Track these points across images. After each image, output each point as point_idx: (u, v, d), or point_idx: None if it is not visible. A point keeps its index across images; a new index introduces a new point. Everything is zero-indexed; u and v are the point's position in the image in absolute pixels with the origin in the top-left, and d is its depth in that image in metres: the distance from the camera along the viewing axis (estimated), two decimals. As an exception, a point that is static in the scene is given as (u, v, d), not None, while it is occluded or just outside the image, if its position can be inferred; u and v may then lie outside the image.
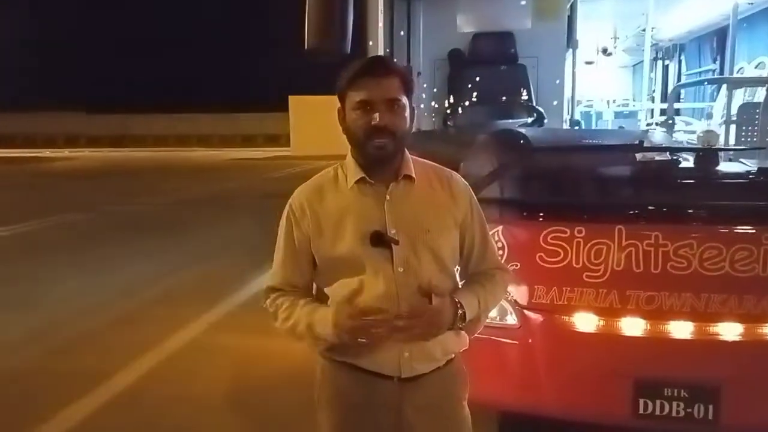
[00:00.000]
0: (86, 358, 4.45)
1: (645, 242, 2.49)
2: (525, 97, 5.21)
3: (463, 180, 1.78)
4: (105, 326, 5.15)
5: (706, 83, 7.64)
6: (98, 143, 38.39)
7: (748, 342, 2.46)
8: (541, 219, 2.66)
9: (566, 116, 5.51)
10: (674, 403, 2.47)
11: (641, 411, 2.49)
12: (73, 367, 4.29)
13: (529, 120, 4.90)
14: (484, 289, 1.72)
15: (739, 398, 2.44)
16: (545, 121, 4.92)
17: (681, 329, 2.49)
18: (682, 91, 8.50)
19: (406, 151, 1.70)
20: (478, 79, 5.19)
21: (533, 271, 2.60)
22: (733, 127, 4.62)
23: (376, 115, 1.57)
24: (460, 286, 1.75)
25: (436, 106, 5.35)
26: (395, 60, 4.53)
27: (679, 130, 6.05)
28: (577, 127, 5.83)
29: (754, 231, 2.50)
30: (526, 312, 2.61)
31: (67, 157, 29.51)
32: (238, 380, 4.06)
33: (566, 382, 2.59)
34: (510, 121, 4.77)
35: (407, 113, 1.63)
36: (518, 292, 2.61)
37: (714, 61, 7.65)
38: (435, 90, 5.35)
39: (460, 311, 1.63)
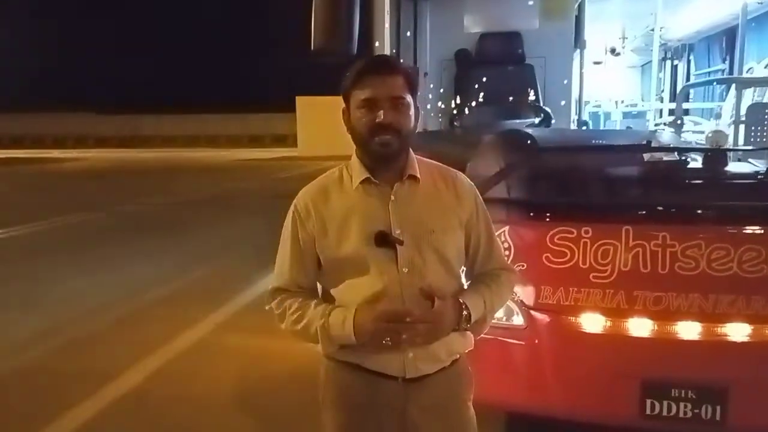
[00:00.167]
0: (91, 359, 4.47)
1: (652, 243, 2.48)
2: (532, 97, 5.19)
3: (468, 180, 1.77)
4: (111, 326, 5.18)
5: (715, 83, 7.61)
6: (107, 144, 38.58)
7: (756, 343, 2.45)
8: (547, 219, 2.66)
9: (574, 117, 5.48)
10: (681, 404, 2.45)
11: (648, 412, 2.48)
12: (79, 367, 4.31)
13: (537, 120, 4.88)
14: (489, 290, 1.72)
15: (746, 399, 2.43)
16: (553, 121, 4.90)
17: (688, 330, 2.48)
18: (692, 91, 8.46)
19: (411, 152, 1.70)
20: (485, 79, 5.17)
21: (540, 271, 2.59)
22: (742, 128, 4.58)
23: (381, 112, 1.57)
24: (465, 287, 1.74)
25: (443, 106, 5.34)
26: (402, 60, 4.52)
27: (687, 131, 6.02)
28: (584, 128, 5.80)
29: (762, 231, 2.49)
30: (532, 312, 2.61)
31: (76, 157, 29.65)
32: (242, 380, 4.07)
33: (573, 383, 2.59)
34: (517, 121, 4.75)
35: (411, 112, 1.63)
36: (525, 293, 2.61)
37: (723, 61, 7.61)
38: (442, 90, 5.34)
39: (464, 312, 1.63)
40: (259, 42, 54.18)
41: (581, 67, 5.40)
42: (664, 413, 2.47)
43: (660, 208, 2.65)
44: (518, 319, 2.62)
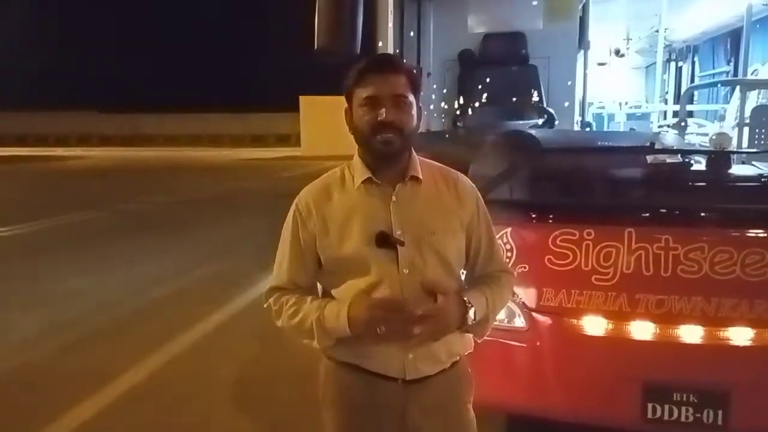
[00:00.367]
0: (92, 358, 4.47)
1: (655, 245, 2.47)
2: (536, 98, 5.18)
3: (469, 182, 1.77)
4: (113, 325, 5.18)
5: (719, 85, 7.59)
6: (110, 142, 38.69)
7: (759, 347, 2.43)
8: (550, 221, 2.64)
9: (577, 118, 5.47)
10: (683, 408, 2.44)
11: (650, 415, 2.46)
12: (81, 366, 4.31)
13: (540, 121, 4.87)
14: (491, 290, 1.71)
15: (749, 403, 2.42)
16: (556, 122, 4.89)
17: (691, 333, 2.47)
18: (696, 93, 8.45)
19: (414, 152, 1.69)
20: (488, 79, 5.17)
21: (542, 273, 2.58)
22: (746, 130, 4.57)
23: (383, 110, 1.56)
24: (465, 288, 1.73)
25: (446, 106, 5.33)
26: (405, 60, 4.51)
27: (691, 133, 6.01)
28: (587, 129, 5.79)
29: (765, 235, 2.47)
30: (534, 314, 2.59)
31: (80, 156, 29.73)
32: (244, 380, 4.07)
33: (574, 386, 2.57)
34: (520, 122, 4.75)
35: (414, 111, 1.62)
36: (526, 295, 2.59)
37: (728, 63, 7.60)
38: (445, 91, 5.33)
39: (469, 308, 1.62)
40: (263, 41, 54.26)
41: (585, 68, 5.39)
42: (666, 417, 2.45)
43: (663, 210, 2.64)
44: (520, 321, 2.61)
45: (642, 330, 2.50)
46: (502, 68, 5.23)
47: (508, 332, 2.61)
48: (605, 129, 9.08)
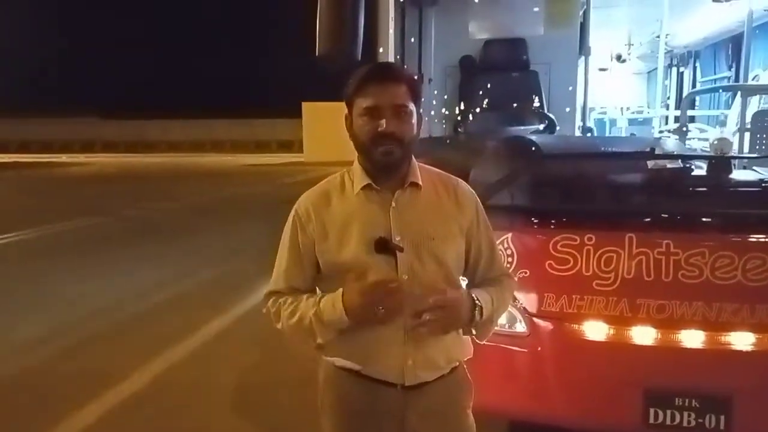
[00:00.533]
0: (94, 362, 4.48)
1: (656, 250, 2.46)
2: (537, 104, 5.18)
3: (469, 188, 1.77)
4: (115, 330, 5.19)
5: (721, 90, 7.59)
6: (114, 149, 38.76)
7: (760, 352, 2.43)
8: (551, 226, 2.64)
9: (578, 123, 5.48)
10: (685, 413, 2.43)
11: (651, 420, 2.46)
12: (82, 370, 4.32)
13: (541, 127, 4.88)
14: (495, 291, 1.72)
15: (751, 408, 2.41)
16: (557, 128, 4.90)
17: (692, 338, 2.46)
18: (698, 98, 8.45)
19: (413, 158, 1.70)
20: (489, 85, 5.17)
21: (543, 278, 2.58)
22: (747, 135, 4.57)
23: (383, 121, 1.57)
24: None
25: (447, 112, 5.34)
26: (406, 67, 4.53)
27: (693, 138, 6.01)
28: (588, 135, 5.79)
29: (767, 240, 2.47)
30: (535, 320, 2.59)
31: (83, 162, 29.80)
32: (245, 385, 4.07)
33: (575, 391, 2.57)
34: (521, 128, 4.74)
35: (414, 120, 1.62)
36: (528, 300, 2.59)
37: (729, 69, 7.59)
38: (446, 97, 5.34)
39: (478, 304, 1.63)
40: (266, 47, 54.37)
41: (586, 74, 5.39)
42: (668, 422, 2.45)
43: (664, 215, 2.64)
44: (521, 327, 2.61)
45: (643, 335, 2.50)
46: (503, 74, 5.24)
47: (509, 337, 2.61)
48: (607, 134, 9.08)
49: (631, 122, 9.31)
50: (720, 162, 2.96)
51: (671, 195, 2.81)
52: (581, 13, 5.35)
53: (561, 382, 2.57)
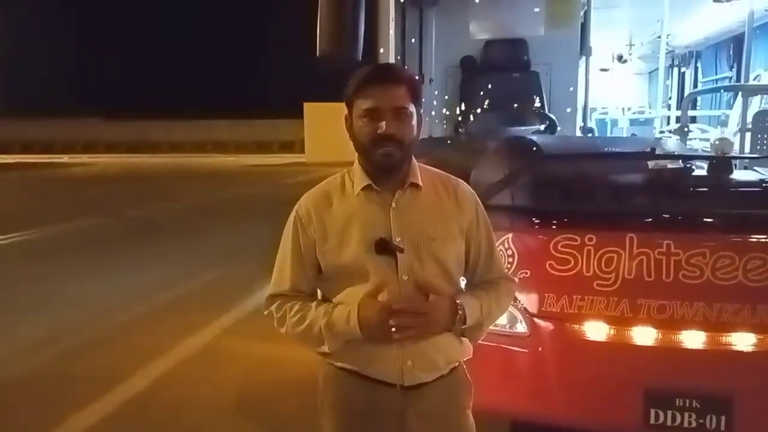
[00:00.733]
0: (98, 362, 4.50)
1: (657, 251, 2.46)
2: (537, 104, 5.19)
3: (469, 188, 1.77)
4: (118, 330, 5.20)
5: (722, 90, 7.59)
6: (116, 149, 38.80)
7: (761, 352, 2.42)
8: (551, 227, 2.65)
9: (579, 124, 5.48)
10: (686, 414, 2.43)
11: (652, 421, 2.46)
12: (87, 370, 4.34)
13: (542, 127, 4.88)
14: (488, 296, 1.71)
15: (752, 409, 2.41)
16: (558, 128, 4.90)
17: (693, 339, 2.46)
18: (699, 98, 8.45)
19: (414, 159, 1.70)
20: (490, 86, 5.18)
21: (543, 279, 2.58)
22: (748, 135, 4.57)
23: (383, 123, 1.57)
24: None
25: (448, 113, 5.34)
26: (406, 67, 4.53)
27: (694, 138, 6.01)
28: (589, 135, 5.79)
29: (767, 240, 2.47)
30: (536, 320, 2.59)
31: (86, 162, 29.84)
32: (247, 386, 4.08)
33: (576, 391, 2.57)
34: (522, 128, 4.75)
35: (414, 121, 1.63)
36: (528, 300, 2.59)
37: (730, 69, 7.59)
38: (447, 97, 5.34)
39: (460, 313, 1.62)
40: (266, 47, 54.39)
41: (587, 74, 5.39)
42: (668, 423, 2.44)
43: (664, 216, 2.64)
44: (521, 327, 2.61)
45: (644, 335, 2.50)
46: (504, 75, 5.24)
47: (509, 338, 2.61)
48: (608, 135, 9.08)
49: (633, 123, 9.31)
50: (721, 162, 2.96)
51: (672, 195, 2.82)
52: (582, 13, 5.35)
53: (562, 382, 2.57)
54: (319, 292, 1.75)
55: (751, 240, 2.49)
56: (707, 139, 5.57)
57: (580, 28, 5.30)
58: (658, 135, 7.12)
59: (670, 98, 9.28)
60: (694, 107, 8.13)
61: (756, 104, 5.47)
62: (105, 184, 19.94)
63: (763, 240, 2.48)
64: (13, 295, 6.30)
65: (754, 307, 2.41)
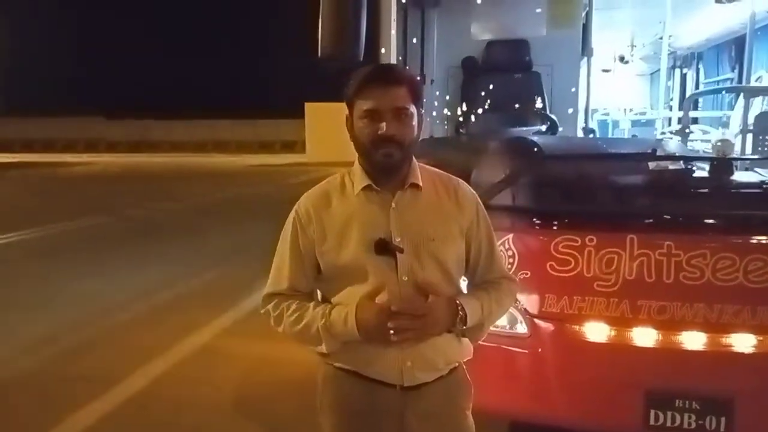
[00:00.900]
0: (97, 362, 4.50)
1: (657, 252, 2.46)
2: (539, 105, 5.19)
3: (469, 188, 1.77)
4: (118, 329, 5.20)
5: (724, 92, 7.59)
6: (117, 149, 38.79)
7: (762, 354, 2.42)
8: (552, 227, 2.64)
9: (581, 124, 5.48)
10: (686, 415, 2.43)
11: (652, 422, 2.46)
12: (86, 369, 4.34)
13: (543, 128, 4.88)
14: (488, 296, 1.71)
15: (752, 410, 2.41)
16: (559, 129, 4.90)
17: (693, 340, 2.46)
18: (701, 99, 8.45)
19: (414, 159, 1.69)
20: (491, 86, 5.18)
21: (544, 279, 2.58)
22: (749, 136, 4.57)
23: (383, 124, 1.57)
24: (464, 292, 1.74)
25: (449, 113, 5.34)
26: (408, 67, 4.53)
27: (695, 139, 6.01)
28: (590, 136, 5.80)
29: (768, 241, 2.47)
30: (536, 321, 2.59)
31: (87, 162, 29.84)
32: (246, 385, 4.08)
33: (576, 392, 2.57)
34: (523, 129, 4.75)
35: (415, 122, 1.62)
36: (528, 301, 2.59)
37: (732, 70, 7.59)
38: (448, 98, 5.34)
39: (460, 313, 1.62)
40: (267, 48, 54.38)
41: (588, 75, 5.39)
42: (668, 424, 2.44)
43: (665, 217, 2.64)
44: (522, 327, 2.61)
45: (644, 336, 2.50)
46: (506, 75, 5.24)
47: (510, 338, 2.61)
48: (610, 136, 9.08)
49: (634, 124, 9.31)
50: (721, 163, 2.96)
51: (673, 196, 2.82)
52: (584, 14, 5.35)
53: (562, 383, 2.57)
54: (318, 292, 1.75)
55: (751, 241, 2.49)
56: (708, 141, 5.57)
57: (581, 28, 5.30)
58: (659, 136, 7.12)
59: (671, 99, 9.27)
60: (695, 108, 8.12)
61: (757, 106, 5.47)
62: (106, 184, 19.95)
63: (764, 241, 2.48)
64: (13, 294, 6.30)
65: (754, 309, 2.41)
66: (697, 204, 2.77)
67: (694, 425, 2.43)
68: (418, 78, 4.49)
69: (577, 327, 2.55)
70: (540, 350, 2.59)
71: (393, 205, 1.64)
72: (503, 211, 2.57)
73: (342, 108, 1.68)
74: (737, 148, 4.39)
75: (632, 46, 8.53)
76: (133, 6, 60.13)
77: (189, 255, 8.26)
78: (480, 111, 5.14)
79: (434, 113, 5.23)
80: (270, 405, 3.79)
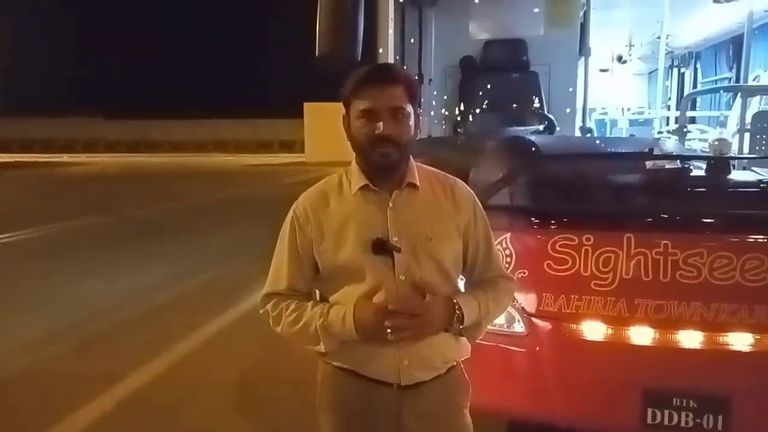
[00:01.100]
0: (99, 360, 4.50)
1: (654, 251, 2.47)
2: (536, 104, 5.19)
3: (467, 188, 1.77)
4: (118, 328, 5.21)
5: (721, 91, 7.60)
6: (116, 149, 38.81)
7: (759, 352, 2.43)
8: (549, 227, 2.65)
9: (578, 124, 5.49)
10: (683, 414, 2.44)
11: (649, 421, 2.46)
12: (86, 368, 4.34)
13: (541, 128, 4.88)
14: (486, 295, 1.71)
15: (749, 409, 2.41)
16: (557, 128, 4.90)
17: (690, 339, 2.47)
18: (699, 99, 8.46)
19: (411, 159, 1.70)
20: (489, 86, 5.18)
21: (541, 278, 2.58)
22: (747, 136, 4.58)
23: (380, 124, 1.57)
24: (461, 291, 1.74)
25: (447, 113, 5.35)
26: (406, 67, 4.54)
27: (693, 139, 6.02)
28: (588, 135, 5.80)
29: (765, 240, 2.47)
30: (533, 320, 2.59)
31: (86, 162, 29.84)
32: (247, 385, 4.08)
33: (573, 391, 2.57)
34: (521, 128, 4.75)
35: (412, 121, 1.63)
36: (526, 300, 2.60)
37: (730, 69, 7.60)
38: (446, 97, 5.35)
39: (457, 312, 1.62)
40: (267, 48, 54.35)
41: (586, 75, 5.39)
42: (666, 422, 2.45)
43: (662, 216, 2.65)
44: (519, 326, 2.61)
45: (641, 335, 2.50)
46: (503, 75, 5.24)
47: (507, 337, 2.61)
48: (607, 135, 9.09)
49: (632, 123, 9.32)
50: (719, 162, 2.97)
51: (670, 195, 2.82)
52: (581, 14, 5.36)
53: (559, 382, 2.58)
54: (316, 291, 1.76)
55: (748, 240, 2.50)
56: (706, 140, 5.58)
57: (579, 28, 5.31)
58: (657, 135, 7.13)
59: (669, 99, 9.29)
60: (693, 108, 8.14)
61: (755, 105, 5.48)
62: (105, 184, 19.96)
63: (761, 240, 2.48)
64: (13, 294, 6.31)
65: (751, 307, 2.41)
66: (694, 203, 2.78)
67: (691, 424, 2.43)
68: (415, 77, 4.50)
69: (574, 326, 2.55)
70: (537, 349, 2.60)
71: (390, 204, 1.64)
72: (501, 211, 2.57)
73: (341, 108, 1.68)
74: (734, 147, 4.40)
75: (630, 45, 8.55)
76: (133, 6, 60.06)
77: (188, 255, 8.27)
78: (478, 110, 5.14)
79: (432, 113, 5.23)
80: (270, 405, 3.80)
